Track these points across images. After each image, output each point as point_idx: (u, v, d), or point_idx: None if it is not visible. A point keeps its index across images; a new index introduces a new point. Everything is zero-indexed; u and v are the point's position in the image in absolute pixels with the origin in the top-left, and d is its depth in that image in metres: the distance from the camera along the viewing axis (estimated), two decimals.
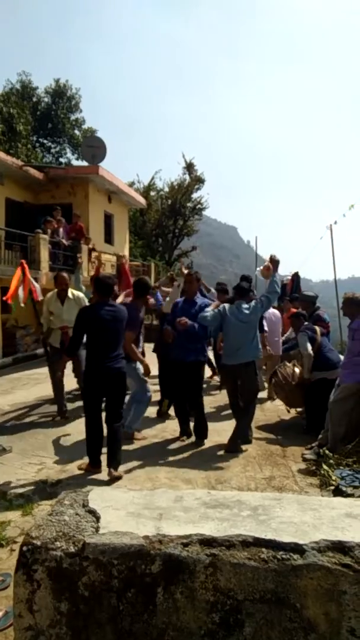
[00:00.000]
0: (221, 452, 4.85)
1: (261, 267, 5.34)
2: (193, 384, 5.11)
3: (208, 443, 5.14)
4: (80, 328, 4.21)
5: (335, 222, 11.76)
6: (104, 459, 4.22)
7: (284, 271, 7.43)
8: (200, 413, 5.15)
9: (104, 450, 4.22)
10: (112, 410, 4.23)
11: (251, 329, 5.04)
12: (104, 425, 4.24)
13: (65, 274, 6.44)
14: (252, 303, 5.11)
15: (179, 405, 5.36)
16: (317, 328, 5.65)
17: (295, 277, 9.79)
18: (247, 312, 5.00)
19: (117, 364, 4.15)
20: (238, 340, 4.97)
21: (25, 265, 6.57)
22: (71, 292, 6.23)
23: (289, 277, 10.02)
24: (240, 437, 5.04)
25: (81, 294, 6.34)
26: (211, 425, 5.33)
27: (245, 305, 5.06)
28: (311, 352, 5.37)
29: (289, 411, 6.34)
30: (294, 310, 6.92)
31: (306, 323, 5.83)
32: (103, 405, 4.26)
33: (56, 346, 6.18)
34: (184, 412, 5.33)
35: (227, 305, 5.14)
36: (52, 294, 6.24)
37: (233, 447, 4.90)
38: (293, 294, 8.87)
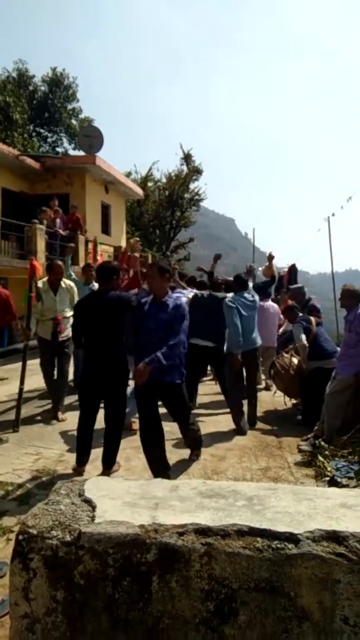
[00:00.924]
0: (218, 444, 4.87)
1: (262, 267, 5.64)
2: (176, 408, 3.98)
3: (204, 435, 5.15)
4: (76, 319, 4.10)
5: (333, 215, 11.76)
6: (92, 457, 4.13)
7: (281, 263, 7.48)
8: (192, 430, 4.24)
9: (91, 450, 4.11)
10: (112, 406, 3.99)
11: (255, 316, 5.52)
12: (100, 425, 4.05)
13: (60, 263, 6.03)
14: (253, 292, 5.58)
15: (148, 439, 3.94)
16: (312, 318, 5.69)
17: (292, 268, 9.80)
18: (251, 299, 5.45)
19: (114, 356, 3.88)
20: (249, 328, 5.33)
21: (36, 264, 5.99)
22: (63, 281, 5.86)
23: (286, 269, 10.03)
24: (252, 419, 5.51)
25: (72, 283, 5.98)
26: (207, 417, 5.36)
27: (247, 295, 5.45)
28: (306, 342, 5.41)
29: (285, 403, 6.37)
30: (290, 302, 6.96)
31: (301, 314, 5.89)
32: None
33: (47, 338, 5.74)
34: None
35: (230, 299, 5.42)
36: (44, 284, 5.75)
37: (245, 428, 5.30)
38: (289, 286, 8.88)
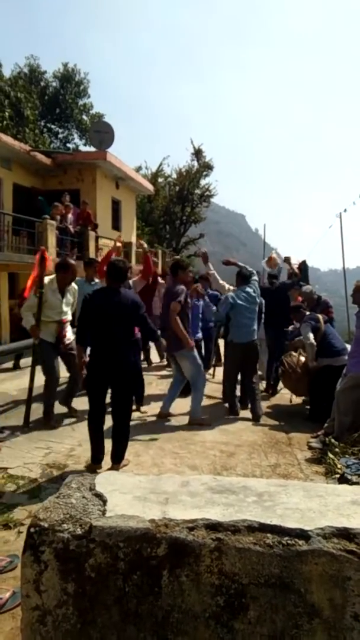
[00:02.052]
0: (227, 440, 4.87)
1: (266, 259, 5.78)
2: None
3: (213, 430, 5.17)
4: (86, 316, 3.94)
5: (345, 210, 11.67)
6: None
7: (292, 260, 7.46)
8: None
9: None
10: (118, 405, 3.98)
11: (256, 310, 5.73)
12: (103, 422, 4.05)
13: (74, 262, 5.68)
14: (255, 286, 5.78)
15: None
16: (320, 316, 5.68)
17: (303, 265, 9.73)
18: (253, 294, 5.67)
19: (123, 355, 3.90)
20: (245, 321, 5.58)
21: (47, 255, 5.68)
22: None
23: (296, 266, 9.97)
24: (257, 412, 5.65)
25: (75, 285, 5.66)
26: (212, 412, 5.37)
27: (248, 289, 5.68)
28: (313, 341, 5.41)
29: (291, 401, 6.36)
30: (300, 298, 6.96)
31: (308, 313, 5.88)
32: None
33: (50, 341, 5.30)
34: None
35: (232, 293, 5.72)
36: (51, 282, 5.32)
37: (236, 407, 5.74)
38: (300, 282, 8.83)
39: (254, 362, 5.83)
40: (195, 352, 5.37)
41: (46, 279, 5.32)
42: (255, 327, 5.77)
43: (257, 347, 5.88)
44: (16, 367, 8.89)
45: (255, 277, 5.98)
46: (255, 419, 5.58)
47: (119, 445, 3.99)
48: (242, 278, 5.84)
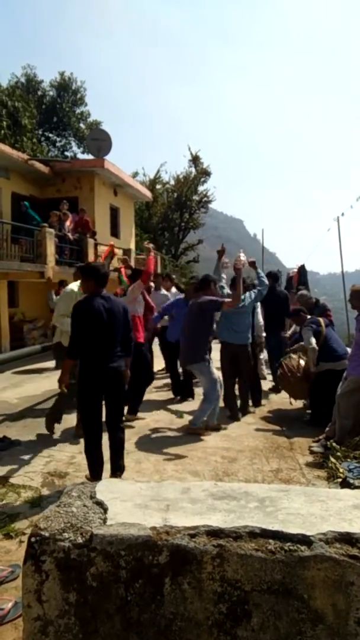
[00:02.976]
0: (228, 445, 4.86)
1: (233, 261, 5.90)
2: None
3: (214, 435, 5.16)
4: (80, 325, 3.68)
5: (343, 214, 11.67)
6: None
7: (291, 264, 7.48)
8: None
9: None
10: (113, 414, 3.86)
11: (246, 315, 5.86)
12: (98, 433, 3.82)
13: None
14: (247, 294, 5.86)
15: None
16: (321, 320, 5.66)
17: (302, 269, 9.75)
18: (242, 298, 5.69)
19: (114, 363, 3.74)
20: (236, 324, 5.76)
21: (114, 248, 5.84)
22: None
23: (295, 270, 9.98)
24: (243, 409, 6.00)
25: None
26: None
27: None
28: (315, 345, 5.38)
29: (291, 403, 6.35)
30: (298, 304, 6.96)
31: (309, 317, 5.86)
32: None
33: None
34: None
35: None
36: (78, 293, 4.88)
37: (238, 414, 5.89)
38: (299, 287, 8.85)
39: (245, 364, 5.91)
40: (211, 366, 5.33)
41: (75, 286, 5.16)
42: (244, 332, 5.85)
43: (247, 351, 5.92)
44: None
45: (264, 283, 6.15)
46: (255, 404, 6.22)
47: (119, 456, 3.89)
48: (233, 284, 5.95)
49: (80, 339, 3.69)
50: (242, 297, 5.72)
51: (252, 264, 6.05)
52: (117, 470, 3.84)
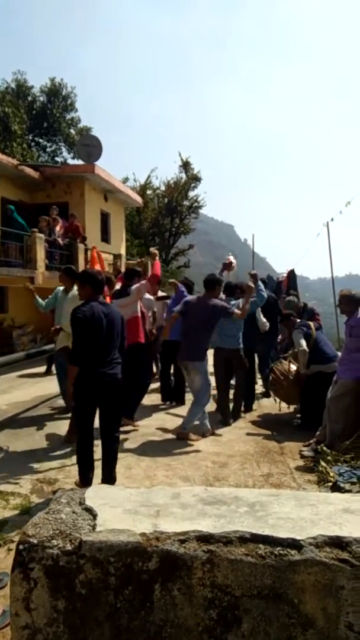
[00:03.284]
0: (219, 450, 4.85)
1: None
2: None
3: (205, 440, 5.15)
4: (85, 333, 3.62)
5: (332, 219, 11.74)
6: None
7: (281, 269, 7.52)
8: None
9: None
10: (108, 422, 3.78)
11: (238, 321, 5.79)
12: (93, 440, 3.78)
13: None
14: (239, 300, 5.89)
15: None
16: (311, 323, 5.70)
17: (291, 274, 9.79)
18: (232, 303, 5.81)
19: (111, 370, 3.69)
20: (227, 329, 5.79)
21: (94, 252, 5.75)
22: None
23: (285, 275, 10.02)
24: (235, 414, 6.06)
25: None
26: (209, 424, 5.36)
27: (233, 302, 5.87)
28: (306, 348, 5.41)
29: (280, 410, 6.36)
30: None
31: (299, 320, 5.90)
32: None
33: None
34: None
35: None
36: (76, 297, 4.78)
37: (230, 418, 5.93)
38: (291, 291, 8.88)
39: (238, 368, 5.95)
40: (207, 368, 5.37)
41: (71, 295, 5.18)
42: (235, 337, 5.87)
43: (240, 355, 5.92)
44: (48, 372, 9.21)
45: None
46: (247, 409, 6.36)
47: (111, 466, 3.80)
48: (228, 290, 6.21)
49: (83, 348, 3.62)
50: (235, 302, 5.86)
51: (254, 277, 6.06)
52: (109, 482, 3.72)
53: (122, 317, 3.91)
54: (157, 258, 5.94)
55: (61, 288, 6.08)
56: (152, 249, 5.95)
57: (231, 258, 5.70)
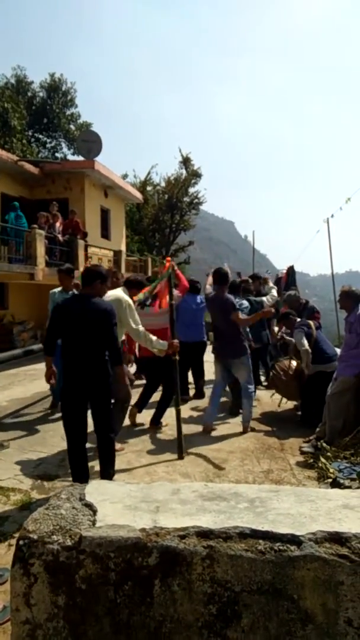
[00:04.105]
0: (219, 447, 4.86)
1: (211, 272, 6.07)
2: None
3: (205, 437, 5.15)
4: (53, 324, 3.62)
5: (332, 216, 11.71)
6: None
7: (282, 265, 7.54)
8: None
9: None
10: (98, 420, 3.67)
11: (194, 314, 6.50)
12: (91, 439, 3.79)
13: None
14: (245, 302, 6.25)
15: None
16: (311, 322, 5.68)
17: (291, 270, 9.76)
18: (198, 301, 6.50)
19: (95, 368, 3.55)
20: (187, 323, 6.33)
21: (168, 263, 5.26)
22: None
23: (284, 271, 10.00)
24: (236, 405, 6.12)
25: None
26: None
27: (237, 300, 5.91)
28: (308, 348, 5.39)
29: (279, 405, 6.37)
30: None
31: (299, 320, 5.88)
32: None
33: None
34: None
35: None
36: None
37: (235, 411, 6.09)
38: (291, 287, 8.85)
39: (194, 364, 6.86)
40: (250, 360, 5.55)
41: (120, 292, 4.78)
42: (190, 330, 6.54)
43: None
44: None
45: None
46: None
47: (108, 465, 3.73)
48: (232, 288, 6.07)
49: (53, 338, 3.69)
50: (243, 302, 6.20)
51: (265, 281, 6.28)
52: (106, 477, 3.69)
53: (108, 311, 3.59)
54: (176, 268, 5.71)
55: (57, 290, 5.96)
56: (168, 262, 5.48)
57: (225, 267, 5.78)
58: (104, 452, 3.74)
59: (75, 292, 5.85)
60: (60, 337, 3.63)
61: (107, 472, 3.72)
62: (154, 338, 4.52)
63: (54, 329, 3.64)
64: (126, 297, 4.43)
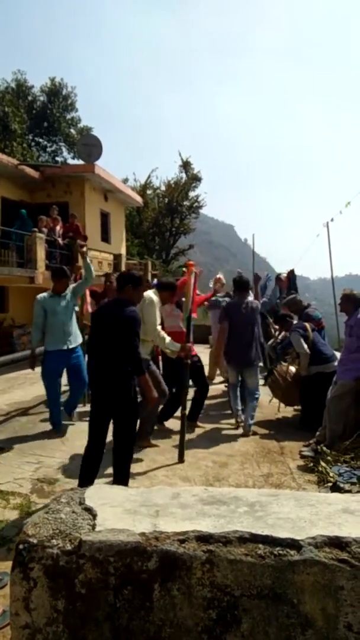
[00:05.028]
0: (219, 450, 4.85)
1: (213, 280, 6.08)
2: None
3: (205, 441, 5.15)
4: (94, 326, 3.64)
5: (332, 220, 11.70)
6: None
7: (282, 269, 7.57)
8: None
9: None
10: (116, 430, 3.53)
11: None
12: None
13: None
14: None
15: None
16: (307, 325, 5.70)
17: (291, 274, 9.77)
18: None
19: (116, 378, 3.46)
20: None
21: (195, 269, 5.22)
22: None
23: (285, 275, 10.01)
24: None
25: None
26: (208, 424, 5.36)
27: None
28: (307, 350, 5.41)
29: (279, 410, 6.36)
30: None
31: (295, 322, 5.90)
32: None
33: (147, 358, 4.69)
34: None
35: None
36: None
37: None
38: (291, 291, 8.86)
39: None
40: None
41: (153, 294, 4.77)
42: None
43: None
44: None
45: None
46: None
47: (120, 476, 3.58)
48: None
49: (94, 343, 3.60)
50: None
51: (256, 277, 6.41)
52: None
53: (131, 318, 3.51)
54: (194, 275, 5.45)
55: (45, 294, 5.57)
56: (191, 267, 5.25)
57: (220, 275, 5.95)
58: (117, 464, 3.60)
59: (67, 293, 5.58)
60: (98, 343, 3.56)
61: (118, 479, 3.58)
62: (168, 339, 4.61)
63: (91, 334, 3.70)
64: (152, 295, 4.55)
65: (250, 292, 5.93)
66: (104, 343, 3.51)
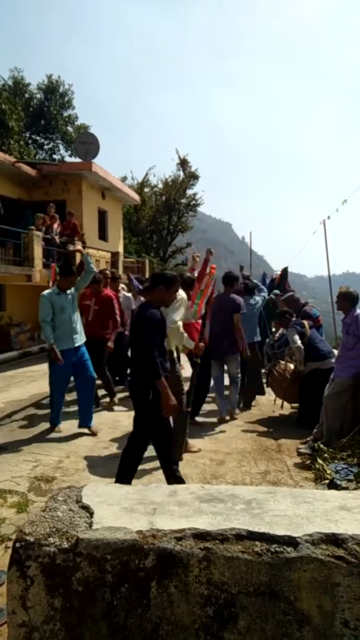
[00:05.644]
0: (216, 448, 4.85)
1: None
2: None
3: (202, 438, 5.15)
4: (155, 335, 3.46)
5: (329, 218, 11.70)
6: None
7: (278, 266, 7.61)
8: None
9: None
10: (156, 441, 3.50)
11: (253, 317, 6.60)
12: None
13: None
14: (258, 297, 6.75)
15: None
16: (305, 322, 5.73)
17: (284, 272, 9.81)
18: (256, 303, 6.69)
19: (134, 379, 3.46)
20: (244, 325, 6.09)
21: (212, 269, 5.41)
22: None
23: (278, 272, 10.05)
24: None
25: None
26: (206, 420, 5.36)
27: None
28: (300, 345, 5.44)
29: (282, 407, 6.38)
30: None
31: (294, 319, 5.94)
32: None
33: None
34: None
35: None
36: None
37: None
38: (288, 290, 8.90)
39: (251, 361, 6.50)
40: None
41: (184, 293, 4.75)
42: (254, 330, 6.62)
43: (254, 349, 6.53)
44: None
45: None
46: (246, 405, 6.61)
47: (171, 478, 3.55)
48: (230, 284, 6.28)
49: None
50: (254, 301, 6.66)
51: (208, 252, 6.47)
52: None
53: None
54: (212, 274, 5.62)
55: (50, 291, 5.44)
56: (213, 270, 5.49)
57: (197, 254, 6.25)
58: (163, 467, 3.62)
59: (72, 291, 5.49)
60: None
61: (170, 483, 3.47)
62: (185, 335, 4.69)
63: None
64: (182, 294, 4.58)
65: (235, 285, 6.17)
66: (132, 348, 3.63)
